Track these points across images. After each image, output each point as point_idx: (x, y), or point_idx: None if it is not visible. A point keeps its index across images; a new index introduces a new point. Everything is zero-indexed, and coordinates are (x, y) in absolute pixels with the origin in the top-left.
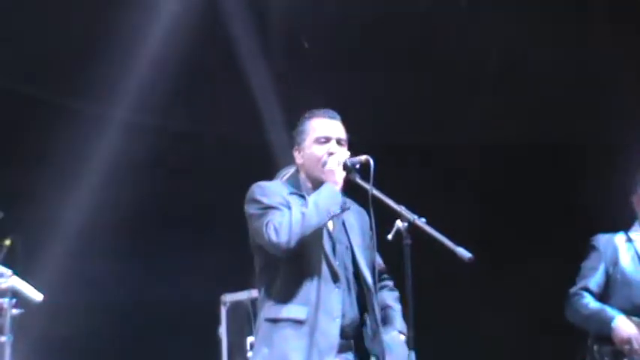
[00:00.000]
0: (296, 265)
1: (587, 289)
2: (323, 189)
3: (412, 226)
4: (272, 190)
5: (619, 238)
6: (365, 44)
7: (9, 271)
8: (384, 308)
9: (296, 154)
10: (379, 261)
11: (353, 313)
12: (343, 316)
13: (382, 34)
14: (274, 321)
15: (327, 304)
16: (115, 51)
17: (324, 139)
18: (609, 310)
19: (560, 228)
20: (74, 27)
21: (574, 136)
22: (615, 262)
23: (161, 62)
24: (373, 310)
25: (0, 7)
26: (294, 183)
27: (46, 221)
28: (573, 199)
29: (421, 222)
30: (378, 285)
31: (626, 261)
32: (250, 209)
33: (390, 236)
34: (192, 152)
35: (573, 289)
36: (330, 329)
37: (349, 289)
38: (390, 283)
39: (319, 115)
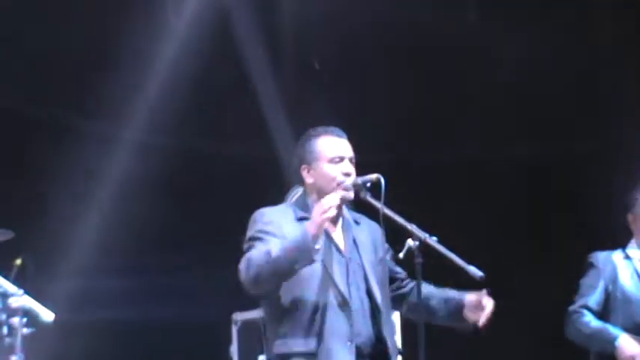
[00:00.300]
0: (297, 295)
1: (587, 307)
2: (299, 237)
3: (423, 245)
4: (267, 219)
5: (617, 255)
6: (374, 61)
7: (20, 291)
8: (430, 299)
9: (305, 173)
10: (397, 269)
11: (367, 331)
12: (358, 334)
13: (391, 51)
14: (286, 357)
15: (336, 330)
16: (126, 70)
17: (338, 159)
18: (612, 329)
19: (566, 242)
20: (85, 47)
21: (578, 149)
22: (614, 280)
23: (172, 82)
24: (385, 328)
25: (13, 28)
26: (303, 206)
27: (57, 241)
28: (581, 213)
29: (432, 240)
30: (401, 291)
31: (625, 279)
32: (246, 238)
33: (401, 255)
34: (202, 170)
35: (573, 308)
36: (345, 355)
37: (363, 307)
38: (412, 283)
39: (327, 133)
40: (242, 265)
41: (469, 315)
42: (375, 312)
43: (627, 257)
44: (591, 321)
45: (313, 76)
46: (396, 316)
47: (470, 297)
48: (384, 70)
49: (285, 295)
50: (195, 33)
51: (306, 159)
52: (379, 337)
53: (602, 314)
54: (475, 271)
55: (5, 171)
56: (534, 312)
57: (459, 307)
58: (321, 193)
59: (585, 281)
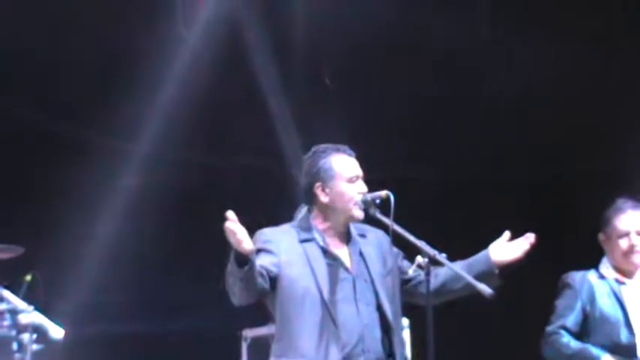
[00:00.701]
0: (287, 316)
1: (565, 328)
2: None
3: (433, 262)
4: (265, 238)
5: (591, 275)
6: (384, 76)
7: (30, 307)
8: (448, 278)
9: (319, 191)
10: (406, 264)
11: (377, 347)
12: (368, 351)
13: (401, 65)
14: None
15: (323, 356)
16: (138, 85)
17: (355, 178)
18: (593, 349)
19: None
20: (96, 61)
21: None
22: (592, 300)
23: (184, 95)
24: (395, 344)
25: (27, 44)
26: (306, 227)
27: (67, 256)
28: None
29: (442, 257)
30: (418, 278)
31: (602, 299)
32: None
33: (410, 271)
34: (214, 184)
35: (550, 328)
36: None
37: (373, 323)
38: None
39: (340, 152)
40: None
41: (500, 256)
42: (385, 327)
43: (602, 277)
44: (570, 341)
45: (324, 91)
46: (405, 333)
47: (495, 244)
48: (392, 84)
49: (281, 316)
50: (207, 46)
51: (320, 177)
52: (390, 353)
53: (580, 335)
54: (485, 289)
55: (15, 186)
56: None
57: (483, 261)
58: (337, 212)
59: (562, 302)
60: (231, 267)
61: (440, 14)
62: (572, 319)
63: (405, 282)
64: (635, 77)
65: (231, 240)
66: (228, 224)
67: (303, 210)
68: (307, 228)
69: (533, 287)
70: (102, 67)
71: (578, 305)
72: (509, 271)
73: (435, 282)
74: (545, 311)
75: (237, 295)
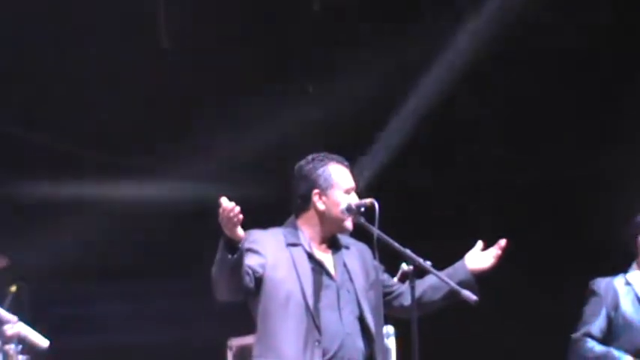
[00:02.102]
0: (270, 319)
1: (590, 335)
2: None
3: (418, 269)
4: (252, 239)
5: (618, 281)
6: None
7: (15, 318)
8: (427, 289)
9: (316, 198)
10: (391, 282)
11: (358, 356)
12: (349, 359)
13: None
14: None
15: (304, 359)
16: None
17: (352, 189)
18: (616, 353)
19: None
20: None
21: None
22: (616, 307)
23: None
24: (376, 356)
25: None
26: (292, 232)
27: (52, 266)
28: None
29: (427, 265)
30: (397, 291)
31: (626, 305)
32: None
33: (395, 279)
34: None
35: (576, 336)
36: None
37: (355, 332)
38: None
39: (337, 162)
40: None
41: (475, 264)
42: (367, 338)
43: (628, 283)
44: (595, 346)
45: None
46: (391, 342)
47: (470, 254)
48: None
49: (263, 318)
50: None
51: (319, 185)
52: None
53: (606, 341)
54: (469, 295)
55: (5, 197)
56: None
57: (461, 271)
58: (329, 221)
59: (588, 309)
60: (220, 254)
61: None
62: (596, 326)
63: (385, 295)
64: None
65: (226, 223)
66: (226, 205)
67: (291, 216)
68: (294, 233)
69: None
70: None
71: (603, 312)
72: (491, 280)
73: (415, 293)
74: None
75: (221, 287)
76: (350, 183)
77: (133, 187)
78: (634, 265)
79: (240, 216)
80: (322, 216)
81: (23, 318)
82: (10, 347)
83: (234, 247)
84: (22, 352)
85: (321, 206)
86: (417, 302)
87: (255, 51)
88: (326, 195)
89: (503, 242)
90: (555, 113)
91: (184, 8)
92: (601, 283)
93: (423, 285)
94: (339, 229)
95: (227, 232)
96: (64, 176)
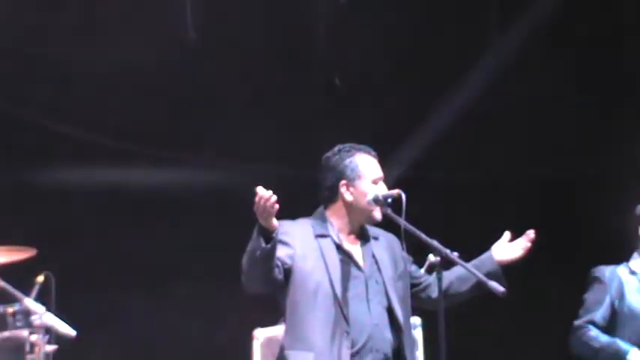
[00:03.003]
0: (299, 309)
1: (593, 323)
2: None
3: (445, 260)
4: (282, 230)
5: (622, 270)
6: (393, 77)
7: (42, 308)
8: (453, 281)
9: (344, 189)
10: (419, 274)
11: (386, 347)
12: (377, 350)
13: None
14: None
15: (334, 350)
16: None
17: (379, 180)
18: (622, 344)
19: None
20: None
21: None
22: (621, 296)
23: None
24: (405, 347)
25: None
26: (321, 223)
27: (81, 257)
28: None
29: (454, 256)
30: (425, 283)
31: (631, 294)
32: None
33: (422, 270)
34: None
35: (578, 322)
36: None
37: (383, 323)
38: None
39: (365, 152)
40: None
41: (503, 255)
42: (395, 329)
43: (632, 272)
44: (599, 336)
45: (334, 92)
46: (418, 333)
47: (497, 245)
48: (403, 87)
49: (292, 309)
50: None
51: (346, 175)
52: (398, 353)
53: (608, 329)
54: (497, 287)
55: (30, 187)
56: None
57: (488, 262)
58: (357, 212)
59: (590, 296)
60: (253, 243)
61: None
62: (600, 314)
63: (411, 286)
64: None
65: (262, 212)
66: (262, 193)
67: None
68: (323, 224)
69: (541, 286)
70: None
71: (607, 300)
72: (517, 271)
73: (442, 284)
74: (556, 308)
75: (252, 278)
76: (377, 173)
77: (154, 176)
78: (635, 255)
79: (277, 205)
80: (350, 207)
81: (50, 308)
82: (38, 337)
83: (268, 237)
84: (49, 342)
85: (348, 197)
86: (445, 294)
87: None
88: (353, 186)
89: (531, 233)
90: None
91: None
92: (605, 271)
93: (451, 276)
94: (368, 219)
95: (262, 221)
96: (87, 164)
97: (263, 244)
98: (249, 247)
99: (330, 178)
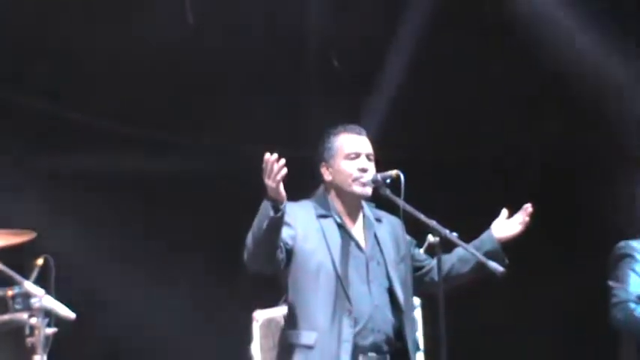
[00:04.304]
0: (301, 289)
1: (634, 297)
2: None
3: (444, 241)
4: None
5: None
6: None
7: (42, 291)
8: (455, 263)
9: (324, 170)
10: (422, 257)
11: (387, 328)
12: (378, 331)
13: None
14: (288, 346)
15: (336, 329)
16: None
17: (354, 155)
18: None
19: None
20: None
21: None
22: None
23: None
24: (406, 326)
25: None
26: (323, 203)
27: (80, 242)
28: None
29: (453, 236)
30: (428, 266)
31: None
32: None
33: (421, 250)
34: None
35: (623, 297)
36: (339, 353)
37: (383, 304)
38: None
39: (346, 131)
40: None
41: (503, 232)
42: (396, 310)
43: None
44: None
45: (333, 75)
46: (417, 313)
47: (496, 222)
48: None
49: (295, 289)
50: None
51: (324, 157)
52: (399, 334)
53: None
54: (496, 267)
55: (32, 173)
56: (556, 308)
57: (488, 241)
58: (339, 190)
59: (625, 271)
60: (261, 214)
61: None
62: (637, 287)
63: (415, 269)
64: None
65: (271, 176)
66: (271, 160)
67: (320, 188)
68: (325, 204)
69: (540, 266)
70: None
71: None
72: (517, 252)
73: (442, 267)
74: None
75: (257, 254)
76: (352, 148)
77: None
78: None
79: (285, 169)
80: (333, 186)
81: (49, 291)
82: (37, 320)
83: (277, 208)
84: (49, 325)
85: (328, 177)
86: (446, 276)
87: None
88: (330, 165)
89: (529, 207)
90: None
91: None
92: (631, 245)
93: (452, 259)
94: (351, 196)
95: (272, 189)
96: (86, 148)
97: (272, 213)
98: (256, 221)
99: (316, 161)
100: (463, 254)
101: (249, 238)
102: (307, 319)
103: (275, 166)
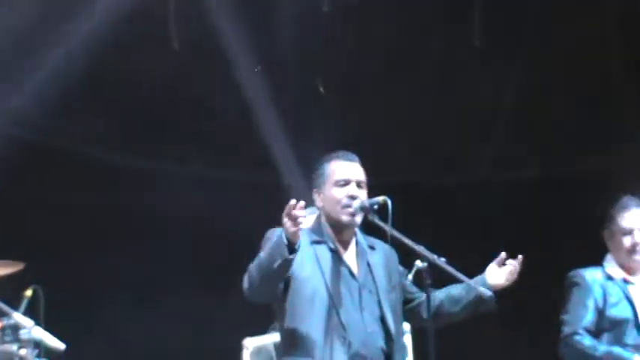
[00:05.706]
0: (297, 316)
1: (584, 329)
2: (276, 238)
3: (432, 266)
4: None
5: (598, 274)
6: (378, 85)
7: (31, 322)
8: (444, 301)
9: (316, 196)
10: (413, 289)
11: (379, 354)
12: (371, 358)
13: (395, 76)
14: None
15: (328, 355)
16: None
17: (343, 182)
18: (623, 352)
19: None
20: None
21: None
22: (605, 301)
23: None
24: (395, 355)
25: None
26: (317, 229)
27: (69, 271)
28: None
29: (441, 262)
30: (418, 300)
31: (613, 299)
32: None
33: (410, 276)
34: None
35: (569, 330)
36: None
37: (374, 332)
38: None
39: (338, 157)
40: (244, 276)
41: (497, 279)
42: (387, 339)
43: (610, 277)
44: (596, 344)
45: (317, 100)
46: (407, 339)
47: (491, 268)
48: (388, 93)
49: (291, 316)
50: (195, 58)
51: (316, 183)
52: None
53: (595, 336)
54: (485, 292)
55: (19, 203)
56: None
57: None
58: (329, 217)
59: (574, 302)
60: (273, 253)
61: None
62: (588, 319)
63: (405, 302)
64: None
65: (292, 225)
66: (294, 209)
67: (314, 212)
68: (318, 230)
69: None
70: None
71: (592, 304)
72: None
73: (432, 304)
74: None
75: (261, 287)
76: (342, 175)
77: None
78: (609, 257)
79: (304, 212)
80: (324, 212)
81: (39, 322)
82: (27, 351)
83: (292, 249)
84: (38, 356)
85: (319, 203)
86: (435, 314)
87: None
88: (322, 192)
89: (521, 259)
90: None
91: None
92: (584, 274)
93: (440, 296)
94: (340, 223)
95: (289, 231)
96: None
97: (287, 254)
98: (266, 257)
99: (310, 188)
100: (454, 293)
101: (255, 271)
102: (303, 346)
103: (298, 212)
